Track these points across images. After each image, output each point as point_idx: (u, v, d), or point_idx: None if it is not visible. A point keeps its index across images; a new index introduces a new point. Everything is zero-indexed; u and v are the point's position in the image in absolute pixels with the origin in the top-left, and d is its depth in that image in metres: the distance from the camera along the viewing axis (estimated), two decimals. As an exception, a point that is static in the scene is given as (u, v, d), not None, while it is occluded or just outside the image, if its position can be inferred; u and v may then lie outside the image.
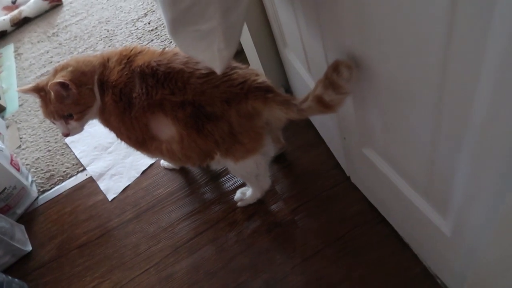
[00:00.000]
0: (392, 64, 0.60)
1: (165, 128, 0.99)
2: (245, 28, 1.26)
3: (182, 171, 1.47)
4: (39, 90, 1.06)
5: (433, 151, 0.63)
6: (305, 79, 1.14)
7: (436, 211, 0.78)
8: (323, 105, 0.78)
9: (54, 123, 1.11)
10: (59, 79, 1.00)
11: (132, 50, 1.03)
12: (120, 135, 1.11)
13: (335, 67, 0.70)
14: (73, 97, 1.03)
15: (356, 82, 0.73)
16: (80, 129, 1.13)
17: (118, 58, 1.02)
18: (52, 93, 1.01)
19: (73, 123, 1.09)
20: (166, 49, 1.01)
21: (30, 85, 1.08)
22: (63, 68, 1.05)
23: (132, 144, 1.11)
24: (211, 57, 0.68)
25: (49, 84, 1.00)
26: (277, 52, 1.35)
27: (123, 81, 0.99)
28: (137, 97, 0.96)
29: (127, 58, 1.01)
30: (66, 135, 1.12)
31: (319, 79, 0.76)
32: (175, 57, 0.96)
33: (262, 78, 0.92)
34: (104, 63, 1.05)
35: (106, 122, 1.11)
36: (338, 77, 0.71)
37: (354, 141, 0.96)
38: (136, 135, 1.03)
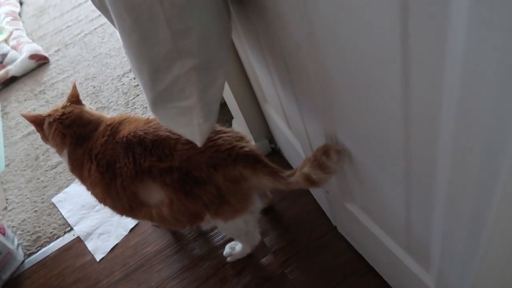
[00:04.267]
0: (360, 139, 0.64)
1: (154, 193, 1.01)
2: (226, 84, 1.30)
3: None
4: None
5: (408, 211, 0.66)
6: (286, 134, 1.18)
7: (418, 264, 0.79)
8: (310, 182, 0.81)
9: None
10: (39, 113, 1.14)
11: (115, 120, 1.06)
12: (105, 203, 1.12)
13: (325, 151, 0.75)
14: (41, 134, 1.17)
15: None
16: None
17: (103, 130, 1.05)
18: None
19: None
20: (151, 117, 1.04)
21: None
22: (54, 107, 1.15)
23: (117, 212, 1.12)
24: (191, 131, 0.71)
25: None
26: (259, 106, 1.40)
27: (109, 153, 1.02)
28: (122, 167, 0.98)
29: (110, 129, 1.04)
30: None
31: (307, 157, 0.80)
32: (160, 125, 0.99)
33: (249, 145, 0.95)
34: (91, 134, 1.09)
35: (92, 191, 1.13)
36: (328, 160, 0.75)
37: (336, 195, 0.98)
38: (122, 204, 1.04)
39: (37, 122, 1.14)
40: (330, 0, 0.48)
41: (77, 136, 1.09)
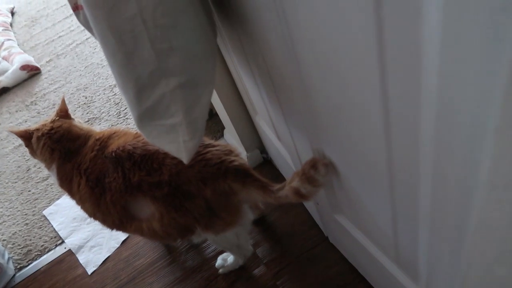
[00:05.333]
0: (345, 157, 0.64)
1: (145, 208, 1.00)
2: (217, 96, 1.30)
3: (163, 239, 1.46)
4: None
5: (394, 227, 0.66)
6: (276, 145, 1.18)
7: (408, 277, 0.80)
8: (299, 196, 0.82)
9: None
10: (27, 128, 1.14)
11: (104, 134, 1.06)
12: (95, 218, 1.11)
13: (313, 165, 0.76)
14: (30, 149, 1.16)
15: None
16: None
17: (92, 144, 1.05)
18: None
19: None
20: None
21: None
22: (44, 125, 1.13)
23: (107, 226, 1.11)
24: (177, 149, 0.71)
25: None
26: (250, 117, 1.40)
27: (98, 168, 1.01)
28: (112, 182, 0.97)
29: (99, 144, 1.03)
30: None
31: (296, 171, 0.81)
32: None
33: (239, 159, 0.95)
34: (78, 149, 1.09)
35: (81, 206, 1.12)
36: (316, 173, 0.76)
37: (326, 207, 0.99)
38: (113, 219, 1.04)
39: (26, 136, 1.14)
40: (310, 20, 0.48)
41: (65, 150, 1.08)
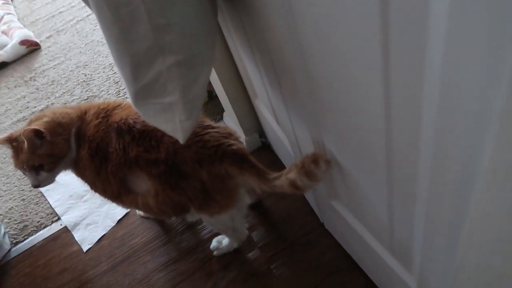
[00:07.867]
0: (345, 147, 0.63)
1: (141, 183, 1.01)
2: (217, 78, 1.29)
3: (158, 220, 1.46)
4: (12, 141, 1.06)
5: (390, 216, 0.66)
6: (275, 129, 1.17)
7: (401, 265, 0.80)
8: (295, 188, 0.81)
9: (24, 174, 1.09)
10: (34, 126, 0.99)
11: (110, 104, 1.04)
12: (95, 188, 1.11)
13: (314, 159, 0.74)
14: (46, 146, 1.02)
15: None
16: (51, 180, 1.11)
17: (96, 112, 1.04)
18: (26, 142, 0.99)
19: (43, 174, 1.07)
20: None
21: (2, 137, 1.08)
22: (38, 118, 1.06)
23: (107, 197, 1.12)
24: (173, 128, 0.70)
25: (23, 131, 0.98)
26: (249, 100, 1.39)
27: (100, 136, 1.01)
28: (113, 152, 0.97)
29: (105, 112, 1.02)
30: (36, 186, 1.10)
31: (295, 162, 0.79)
32: None
33: (237, 143, 0.94)
34: (82, 116, 1.07)
35: (81, 175, 1.12)
36: (316, 168, 0.75)
37: (323, 193, 0.98)
38: (112, 189, 1.03)
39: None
40: (315, 10, 0.46)
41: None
